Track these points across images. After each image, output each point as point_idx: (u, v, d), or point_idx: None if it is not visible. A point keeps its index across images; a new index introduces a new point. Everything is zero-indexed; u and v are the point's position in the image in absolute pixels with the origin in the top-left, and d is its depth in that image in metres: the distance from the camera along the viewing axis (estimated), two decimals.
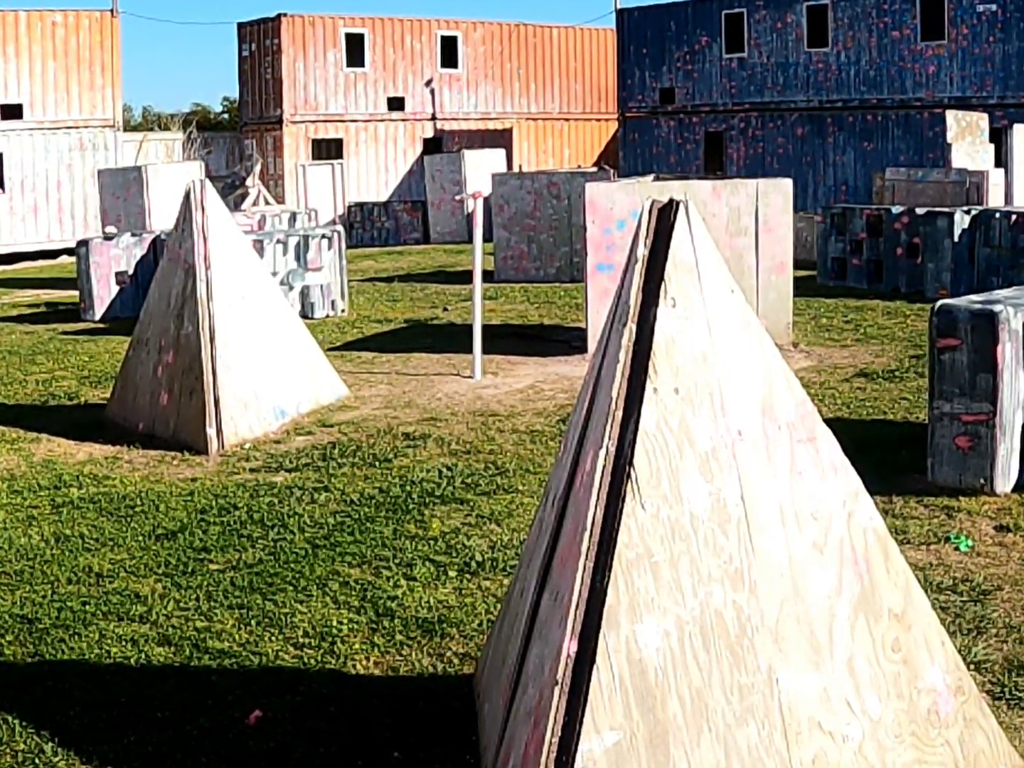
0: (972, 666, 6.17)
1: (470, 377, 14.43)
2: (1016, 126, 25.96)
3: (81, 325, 20.30)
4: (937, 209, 20.23)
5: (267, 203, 34.28)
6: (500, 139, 42.27)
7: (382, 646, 6.95)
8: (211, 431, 11.51)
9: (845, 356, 14.96)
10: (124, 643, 7.10)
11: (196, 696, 6.39)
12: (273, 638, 7.10)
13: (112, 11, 36.16)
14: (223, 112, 68.21)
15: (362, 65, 41.34)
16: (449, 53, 43.07)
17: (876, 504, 4.99)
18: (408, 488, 9.96)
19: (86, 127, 35.55)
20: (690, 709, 4.58)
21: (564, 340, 16.74)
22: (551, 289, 22.81)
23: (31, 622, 7.46)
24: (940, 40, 33.50)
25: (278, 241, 19.73)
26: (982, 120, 28.15)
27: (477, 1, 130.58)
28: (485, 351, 14.72)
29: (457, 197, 30.63)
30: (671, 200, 5.02)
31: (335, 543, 8.69)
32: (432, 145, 42.03)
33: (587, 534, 4.60)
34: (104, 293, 20.90)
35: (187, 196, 12.33)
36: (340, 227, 22.14)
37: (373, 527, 9.01)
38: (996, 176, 24.08)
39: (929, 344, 9.19)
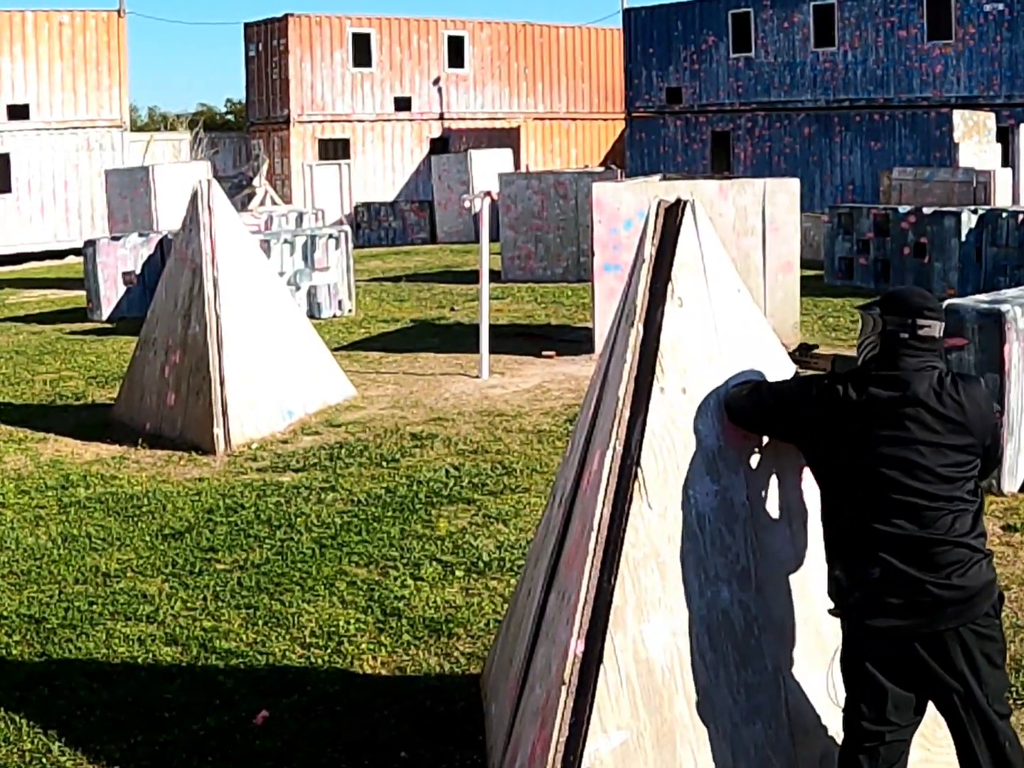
0: None
1: (477, 377, 14.42)
2: (1023, 125, 25.91)
3: (88, 325, 20.32)
4: (944, 208, 20.20)
5: (274, 203, 34.26)
6: (507, 139, 42.26)
7: (389, 646, 6.95)
8: (218, 431, 11.51)
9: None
10: (131, 643, 7.11)
11: (203, 696, 6.39)
12: (280, 638, 7.11)
13: (119, 11, 36.19)
14: (229, 112, 68.25)
15: (369, 65, 41.31)
16: (456, 53, 43.04)
17: None
18: (415, 488, 9.96)
19: (93, 127, 35.57)
20: (697, 708, 4.58)
21: (569, 339, 16.74)
22: (558, 289, 22.80)
23: (38, 622, 7.47)
24: (947, 39, 33.43)
25: (285, 241, 19.73)
26: (989, 119, 28.09)
27: (484, 1, 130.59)
28: (492, 351, 14.71)
29: (465, 203, 30.57)
30: (678, 200, 5.02)
31: (342, 543, 8.70)
32: (439, 145, 42.01)
33: (594, 534, 4.60)
34: (111, 293, 20.92)
35: (194, 196, 12.34)
36: (347, 227, 22.14)
37: (380, 527, 9.02)
38: (1003, 175, 24.04)
39: None
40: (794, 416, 4.59)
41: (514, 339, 16.74)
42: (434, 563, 8.24)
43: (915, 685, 4.43)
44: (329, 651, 6.90)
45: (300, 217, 25.89)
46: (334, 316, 19.79)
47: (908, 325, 4.45)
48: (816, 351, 13.83)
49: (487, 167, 34.53)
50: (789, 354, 5.14)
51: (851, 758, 4.45)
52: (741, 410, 4.73)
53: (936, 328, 4.49)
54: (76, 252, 28.68)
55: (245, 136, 42.93)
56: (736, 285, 5.04)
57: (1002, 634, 4.51)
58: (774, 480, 4.83)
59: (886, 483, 4.37)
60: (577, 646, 4.50)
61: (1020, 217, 18.65)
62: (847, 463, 4.44)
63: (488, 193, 16.15)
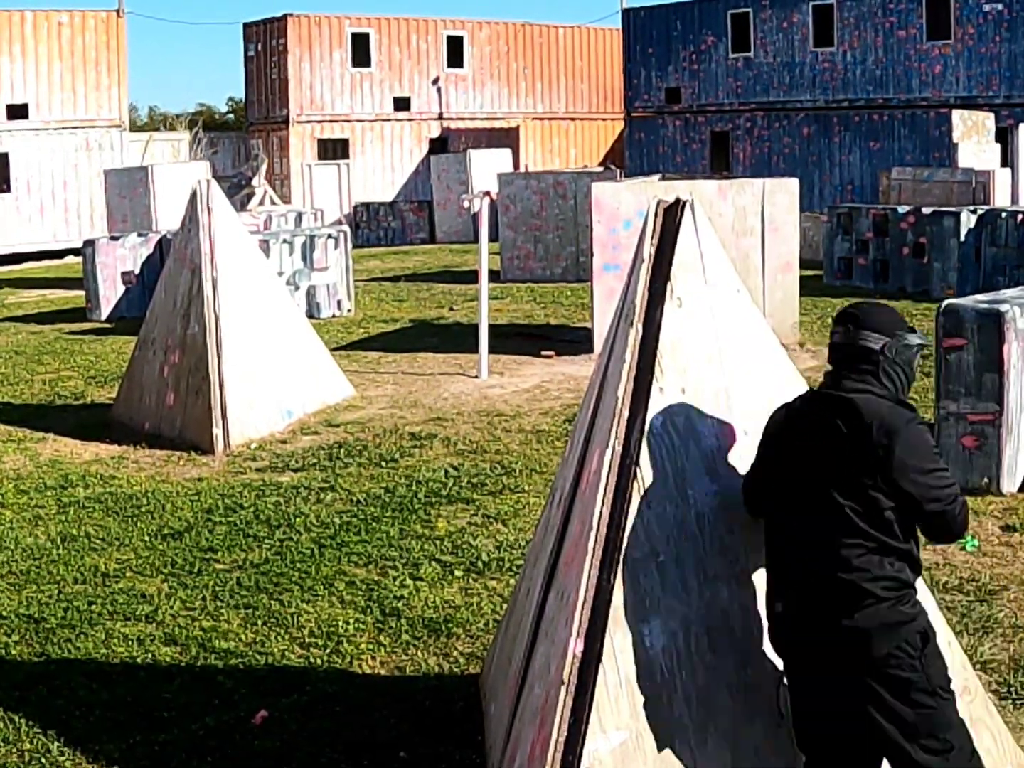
0: (978, 666, 6.16)
1: (476, 377, 14.42)
2: (1022, 125, 25.92)
3: (87, 325, 20.32)
4: (943, 209, 20.20)
5: (273, 203, 34.24)
6: (506, 139, 42.23)
7: (388, 646, 6.95)
8: (217, 431, 11.51)
9: None
10: (130, 643, 7.10)
11: (202, 696, 6.39)
12: (279, 638, 7.11)
13: (118, 11, 36.18)
14: (229, 112, 68.22)
15: (368, 65, 41.28)
16: (455, 53, 43.00)
17: None
18: (414, 488, 9.96)
19: (92, 127, 35.57)
20: (696, 709, 4.58)
21: (568, 340, 16.74)
22: (557, 289, 22.80)
23: (37, 622, 7.46)
24: (946, 39, 33.42)
25: (284, 241, 19.73)
26: (988, 119, 28.11)
27: (483, 1, 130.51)
28: (491, 351, 14.71)
29: (464, 203, 30.55)
30: (677, 200, 5.01)
31: (341, 543, 8.69)
32: (438, 145, 41.99)
33: (593, 533, 4.59)
34: (110, 293, 20.93)
35: (193, 196, 12.34)
36: (346, 227, 22.15)
37: (379, 527, 9.01)
38: (1002, 175, 24.05)
39: (935, 344, 9.17)
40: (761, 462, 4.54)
41: (513, 339, 16.74)
42: (433, 563, 8.24)
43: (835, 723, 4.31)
44: (328, 651, 6.90)
45: (299, 217, 25.89)
46: (333, 316, 19.79)
47: (831, 333, 4.34)
48: None
49: (486, 167, 34.52)
50: None
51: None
52: (746, 495, 4.64)
53: (840, 335, 4.26)
54: (75, 252, 28.68)
55: (244, 136, 42.89)
56: (736, 285, 5.04)
57: (926, 671, 4.17)
58: None
59: (789, 515, 4.32)
60: (576, 646, 4.50)
61: (1019, 217, 18.65)
62: (769, 486, 4.45)
63: (487, 193, 16.15)
